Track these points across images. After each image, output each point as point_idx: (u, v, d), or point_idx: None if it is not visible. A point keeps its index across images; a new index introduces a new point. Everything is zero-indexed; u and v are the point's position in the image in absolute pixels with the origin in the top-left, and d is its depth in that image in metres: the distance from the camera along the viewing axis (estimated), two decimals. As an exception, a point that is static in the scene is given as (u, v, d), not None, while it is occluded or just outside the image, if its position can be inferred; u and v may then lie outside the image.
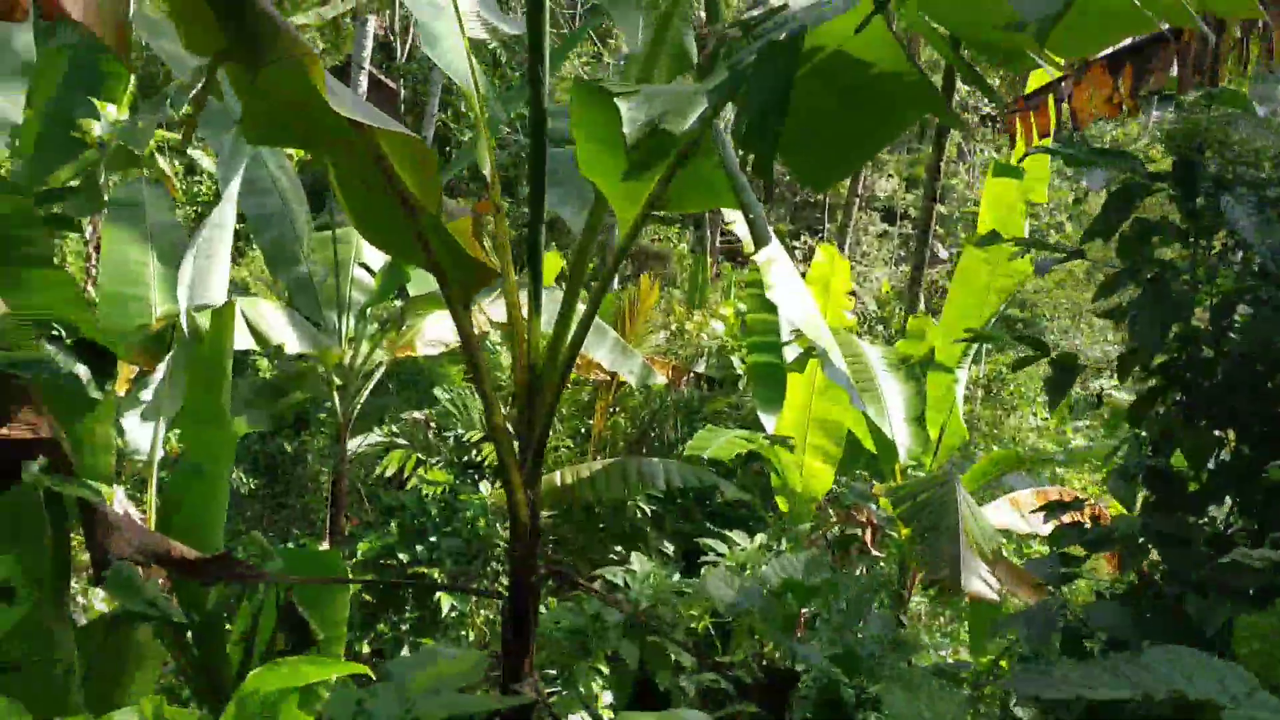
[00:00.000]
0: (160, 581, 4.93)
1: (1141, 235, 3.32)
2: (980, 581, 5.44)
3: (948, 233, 24.60)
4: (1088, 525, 3.55)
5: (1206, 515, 3.39)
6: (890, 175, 26.46)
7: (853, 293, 9.20)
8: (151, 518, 6.11)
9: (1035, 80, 5.10)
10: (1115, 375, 3.72)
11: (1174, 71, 3.79)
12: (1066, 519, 3.63)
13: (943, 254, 24.11)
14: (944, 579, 5.33)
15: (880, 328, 17.60)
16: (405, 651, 6.56)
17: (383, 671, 2.80)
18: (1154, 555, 3.23)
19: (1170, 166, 3.27)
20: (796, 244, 23.07)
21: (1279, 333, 2.96)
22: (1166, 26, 2.78)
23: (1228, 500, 3.34)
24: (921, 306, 14.30)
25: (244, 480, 9.75)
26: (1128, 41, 4.09)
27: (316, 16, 7.10)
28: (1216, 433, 3.30)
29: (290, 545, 8.20)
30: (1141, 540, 3.17)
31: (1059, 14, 1.66)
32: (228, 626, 4.22)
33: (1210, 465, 3.32)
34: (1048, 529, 6.72)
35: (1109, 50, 4.36)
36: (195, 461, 3.87)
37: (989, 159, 25.90)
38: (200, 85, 2.29)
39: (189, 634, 3.83)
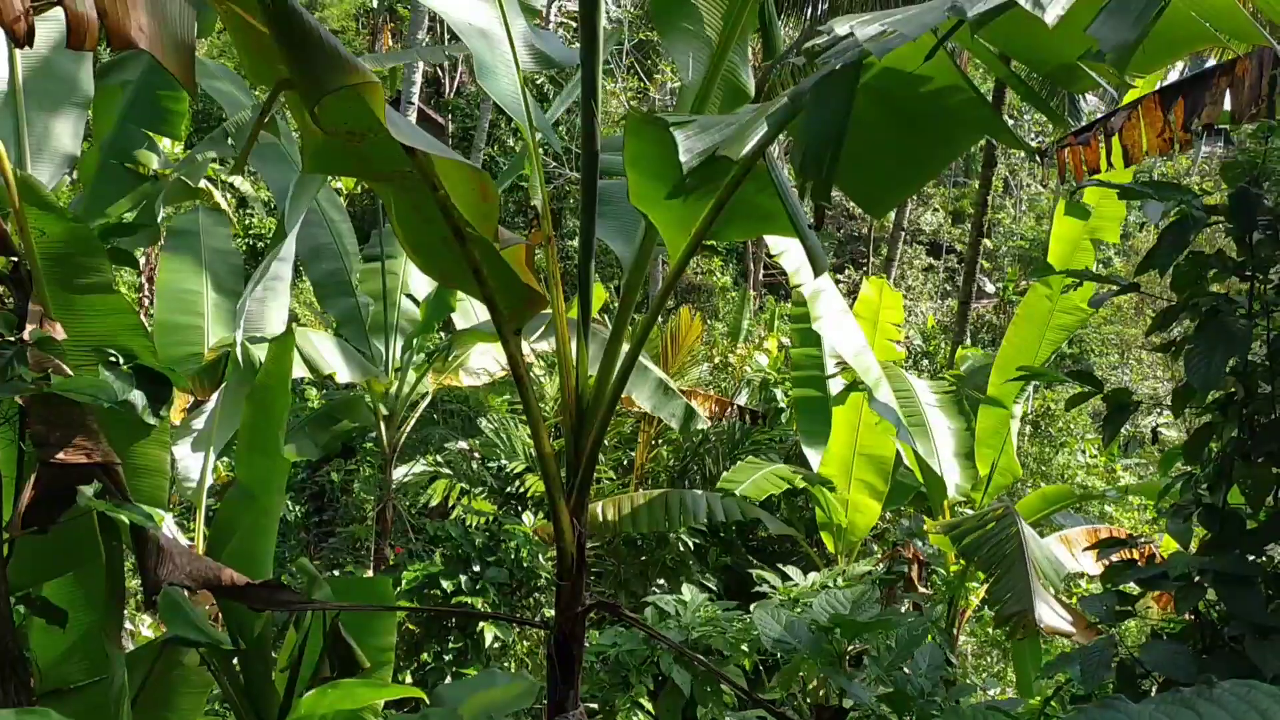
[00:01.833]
0: (208, 608, 4.99)
1: (1197, 269, 3.27)
2: (1054, 616, 5.35)
3: (994, 267, 24.41)
4: (1140, 563, 3.48)
5: (1265, 554, 3.31)
6: (936, 209, 26.35)
7: (900, 326, 9.15)
8: (199, 544, 6.18)
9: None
10: (1165, 412, 3.66)
11: (1228, 105, 3.75)
12: (1118, 557, 3.55)
13: (989, 288, 23.90)
14: (1017, 614, 5.25)
15: (925, 362, 17.46)
16: (448, 680, 6.56)
17: (436, 696, 2.80)
18: (1210, 594, 3.15)
19: (1224, 200, 3.23)
20: (841, 277, 22.99)
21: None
22: (1213, 61, 2.75)
23: (1289, 539, 3.26)
24: (968, 340, 14.19)
25: (291, 508, 9.86)
26: (1176, 76, 4.07)
27: (375, 63, 7.25)
28: (1275, 469, 3.22)
29: (337, 573, 8.26)
30: (1198, 579, 3.10)
31: (1138, 41, 1.66)
32: (274, 654, 4.25)
33: (1269, 502, 3.24)
34: (1096, 568, 6.61)
35: (1161, 84, 4.34)
36: (248, 489, 3.91)
37: (1035, 194, 25.74)
38: (259, 115, 2.34)
39: (235, 660, 3.85)
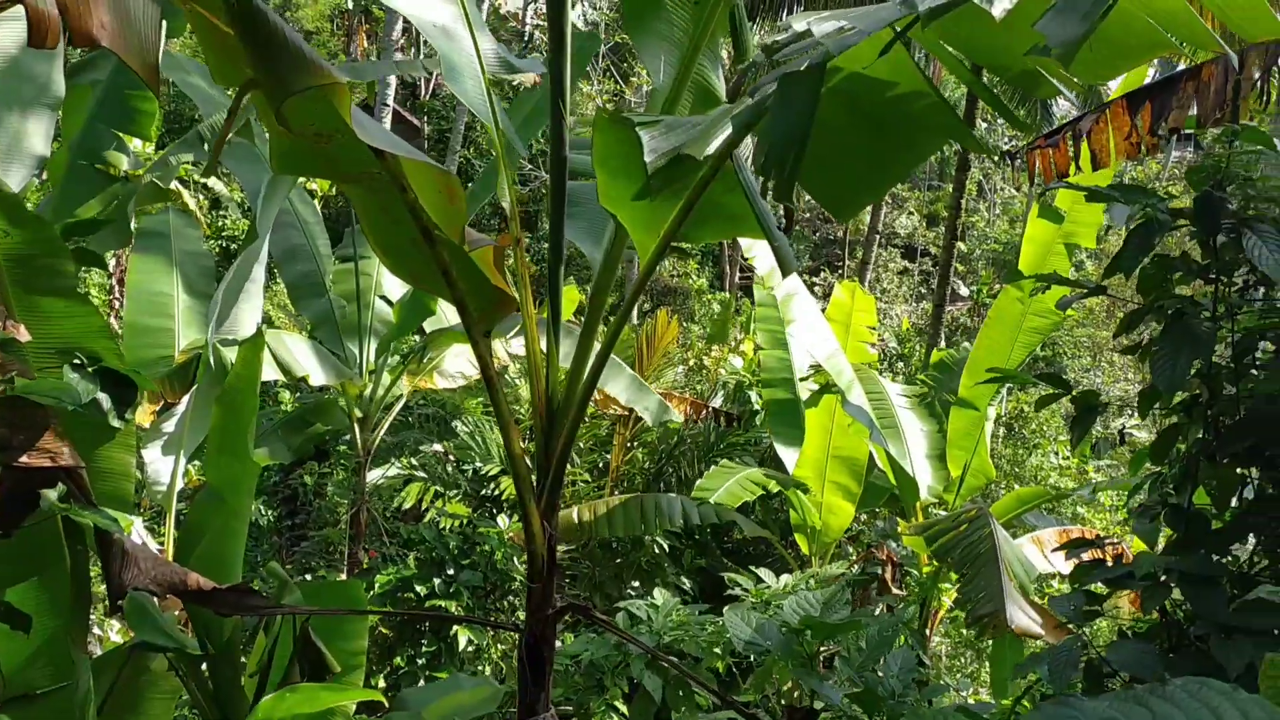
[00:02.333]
0: (177, 613, 4.94)
1: (1162, 271, 3.30)
2: (1024, 617, 5.39)
3: (968, 270, 24.57)
4: (1109, 563, 3.50)
5: (1230, 554, 3.35)
6: (910, 212, 26.50)
7: (874, 329, 9.18)
8: (169, 548, 6.13)
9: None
10: (1136, 414, 3.69)
11: (1194, 110, 3.79)
12: (1088, 556, 3.58)
13: (963, 291, 24.06)
14: (988, 615, 5.28)
15: (901, 364, 17.56)
16: (421, 684, 6.54)
17: (400, 700, 2.78)
18: (1177, 594, 3.18)
19: (1191, 203, 3.26)
20: (816, 280, 23.08)
21: (1307, 370, 2.92)
22: (1183, 65, 2.78)
23: (1251, 538, 3.30)
24: (942, 343, 14.28)
25: (264, 512, 9.79)
26: (1147, 81, 4.11)
27: (351, 75, 7.22)
28: (1239, 470, 3.26)
29: (309, 577, 8.21)
30: (1164, 579, 3.13)
31: (1083, 38, 1.67)
32: (244, 659, 4.22)
33: (1234, 503, 3.28)
34: (1068, 568, 6.67)
35: (1130, 90, 4.38)
36: (217, 492, 3.88)
37: (1009, 197, 25.94)
38: (228, 117, 2.32)
39: (204, 665, 3.82)
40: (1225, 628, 2.91)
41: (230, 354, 5.62)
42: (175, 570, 3.15)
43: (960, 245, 21.33)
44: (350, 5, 21.86)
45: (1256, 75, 3.70)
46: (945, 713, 2.54)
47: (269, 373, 6.68)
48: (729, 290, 21.37)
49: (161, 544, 6.72)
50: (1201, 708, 0.95)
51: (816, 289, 21.82)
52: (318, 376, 6.77)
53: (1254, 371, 3.36)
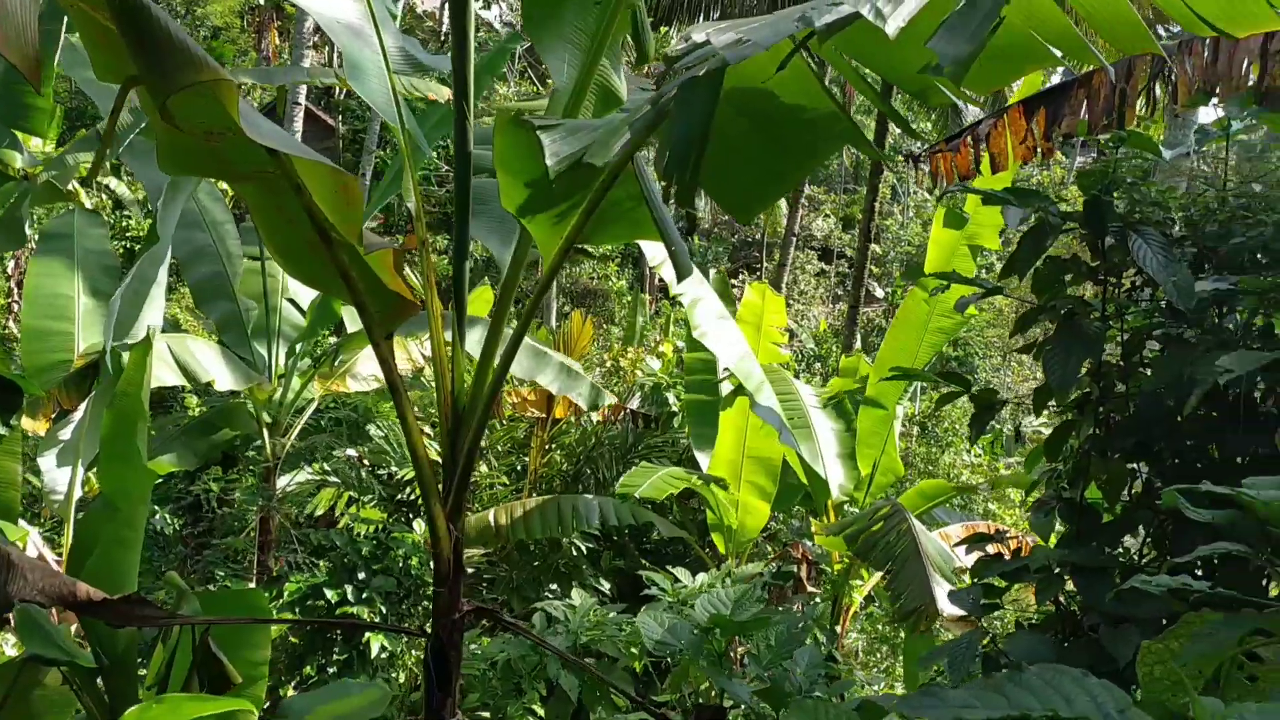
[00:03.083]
0: (74, 626, 4.79)
1: (1055, 273, 3.40)
2: (954, 605, 5.50)
3: (883, 272, 25.02)
4: (1008, 557, 3.60)
5: (1121, 546, 3.46)
6: (827, 215, 26.90)
7: (789, 330, 9.28)
8: (67, 559, 5.93)
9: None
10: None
11: (1086, 115, 3.92)
12: (982, 550, 3.67)
13: (878, 293, 24.49)
14: (919, 608, 5.37)
15: (818, 365, 17.80)
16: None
17: (284, 707, 2.73)
18: (1070, 585, 3.27)
19: (1081, 207, 3.37)
20: (735, 282, 23.27)
21: (1187, 367, 3.03)
22: (1078, 73, 2.86)
23: (1141, 530, 3.41)
24: (858, 344, 14.52)
25: (169, 521, 9.53)
26: (1044, 87, 4.23)
27: (261, 80, 7.06)
28: (1129, 465, 3.37)
29: (212, 586, 8.02)
30: (1057, 571, 3.22)
31: (973, 56, 1.71)
32: (143, 670, 4.10)
33: (1124, 496, 3.39)
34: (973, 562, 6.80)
35: (1027, 95, 4.50)
36: (110, 501, 3.77)
37: (922, 200, 26.48)
38: (111, 115, 2.25)
39: (99, 678, 3.71)
40: (1114, 617, 3.00)
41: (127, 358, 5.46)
42: (64, 581, 3.05)
43: (875, 247, 21.71)
44: (261, 1, 21.42)
45: (1145, 84, 3.84)
46: (821, 705, 2.57)
47: (172, 378, 6.51)
48: (649, 292, 21.44)
49: (60, 555, 6.50)
50: (1054, 693, 0.99)
51: (736, 290, 21.99)
52: (224, 381, 6.62)
53: (1142, 370, 3.48)
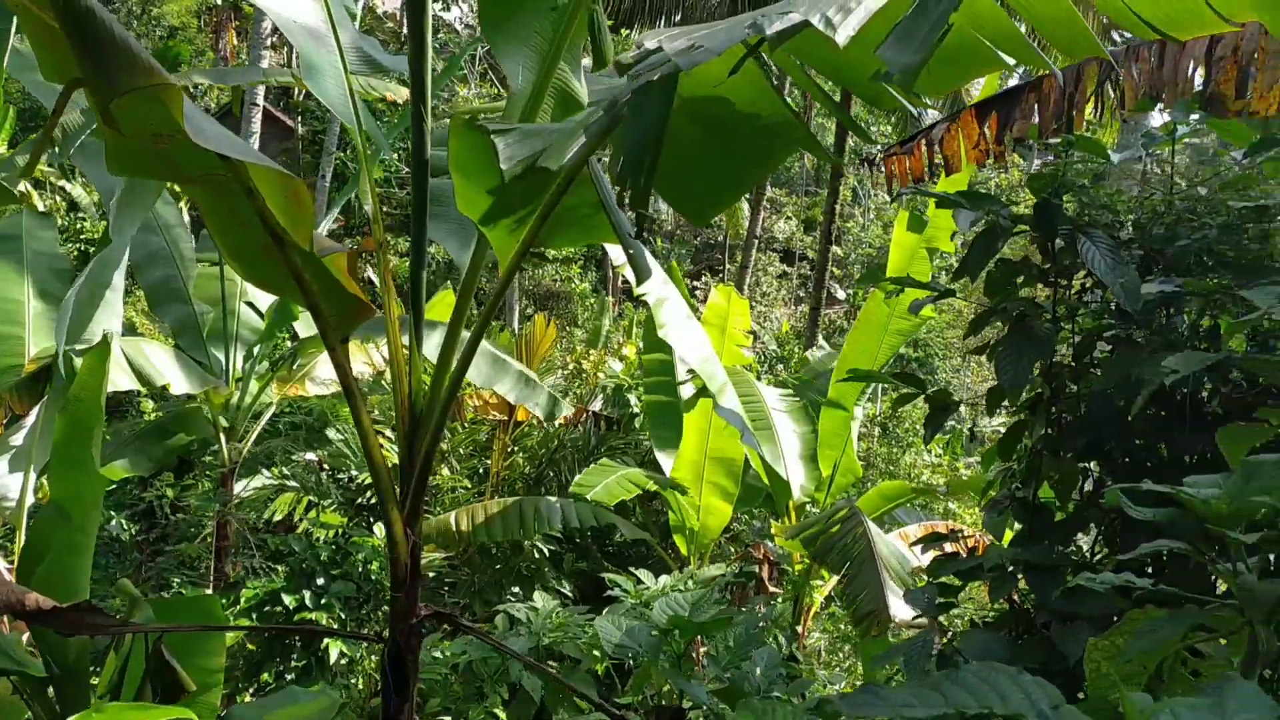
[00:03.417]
0: (25, 636, 4.71)
1: (1006, 275, 3.45)
2: (907, 609, 5.55)
3: (844, 274, 25.20)
4: (964, 556, 3.63)
5: (1073, 544, 3.51)
6: (789, 217, 27.04)
7: (752, 332, 9.32)
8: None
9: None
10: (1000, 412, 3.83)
11: (1037, 119, 3.97)
12: (942, 550, 3.71)
13: (839, 294, 24.66)
14: (872, 612, 5.42)
15: (780, 366, 17.89)
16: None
17: (229, 716, 2.70)
18: (1024, 584, 3.31)
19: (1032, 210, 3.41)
20: (698, 284, 23.35)
21: (1134, 368, 3.08)
22: (1022, 79, 2.89)
23: (1092, 529, 3.46)
24: (820, 344, 14.60)
25: (126, 527, 9.40)
26: (997, 92, 4.29)
27: (216, 80, 6.97)
28: (1081, 464, 3.41)
29: (166, 593, 7.92)
30: (1010, 569, 3.26)
31: (922, 64, 1.73)
32: (96, 679, 4.04)
33: (1076, 495, 3.43)
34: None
35: (980, 99, 4.56)
36: (62, 507, 3.71)
37: (883, 203, 26.70)
38: (51, 117, 2.22)
39: (50, 688, 3.65)
40: (1065, 615, 3.05)
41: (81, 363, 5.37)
42: (13, 589, 3.00)
43: (836, 249, 21.85)
44: (219, 1, 21.19)
45: (1093, 89, 3.89)
46: (769, 703, 2.60)
47: (127, 382, 6.42)
48: (611, 294, 21.45)
49: (11, 562, 6.39)
50: (989, 691, 1.00)
51: (698, 292, 22.08)
52: (179, 385, 6.54)
53: (1093, 370, 3.53)
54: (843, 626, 8.55)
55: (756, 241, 21.15)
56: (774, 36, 1.87)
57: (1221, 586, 3.11)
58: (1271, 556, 2.60)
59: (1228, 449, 1.98)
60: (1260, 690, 1.25)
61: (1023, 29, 2.45)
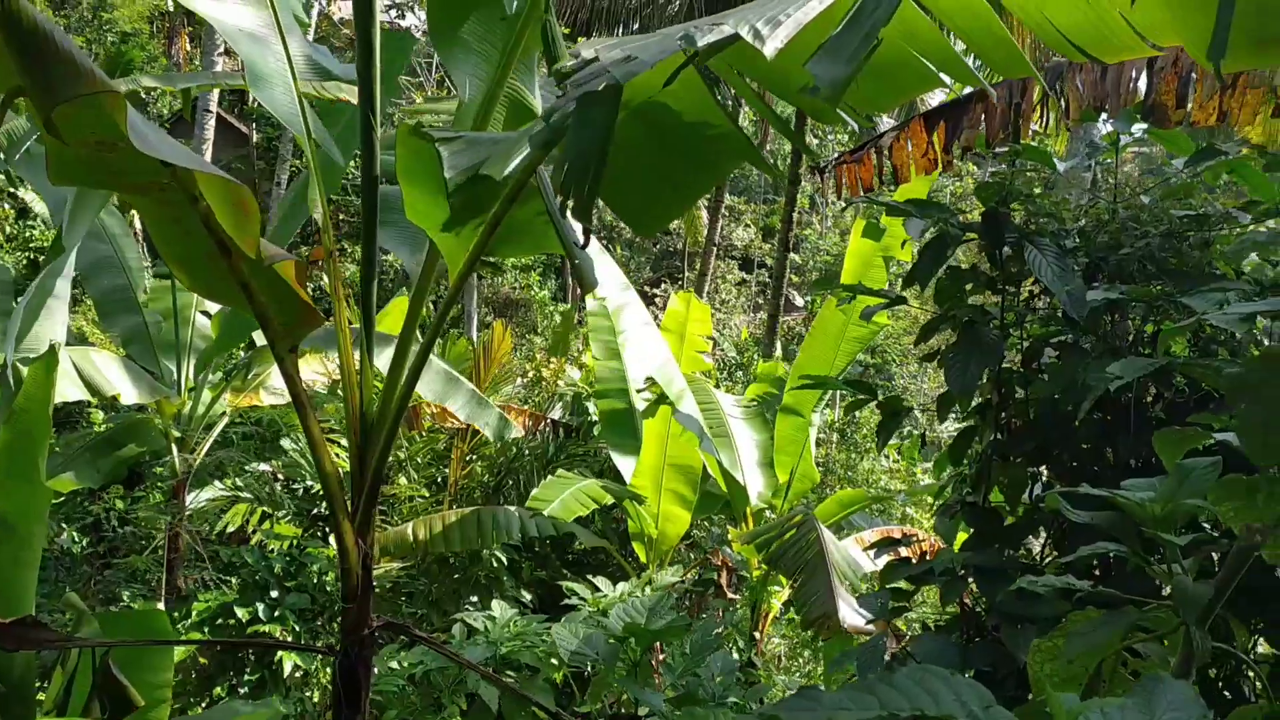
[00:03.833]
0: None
1: (956, 283, 3.49)
2: (856, 615, 5.60)
3: (802, 281, 25.37)
4: (915, 561, 3.67)
5: (1023, 548, 3.55)
6: (747, 225, 27.19)
7: (712, 339, 9.35)
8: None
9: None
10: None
11: (983, 129, 4.03)
12: (896, 554, 3.74)
13: (798, 301, 24.81)
14: (821, 617, 5.46)
15: (740, 373, 17.96)
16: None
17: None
18: (975, 587, 3.35)
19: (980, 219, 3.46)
20: (657, 291, 23.40)
21: (1079, 374, 3.13)
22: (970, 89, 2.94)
23: (1042, 532, 3.50)
24: (778, 352, 14.69)
25: (75, 540, 9.24)
26: (944, 102, 4.35)
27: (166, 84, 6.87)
28: (1029, 469, 3.46)
29: (115, 607, 7.78)
30: (961, 573, 3.29)
31: (849, 79, 1.75)
32: (41, 695, 3.96)
33: (1025, 499, 3.47)
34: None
35: (927, 109, 4.62)
36: (7, 521, 3.64)
37: (840, 210, 26.91)
38: (-5, 123, 2.19)
39: (-6, 704, 3.58)
40: (1014, 617, 3.08)
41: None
42: (-47, 606, 2.94)
43: (794, 256, 22.00)
44: (171, 7, 20.92)
45: (1039, 100, 3.96)
46: (711, 709, 2.61)
47: (75, 392, 6.32)
48: (571, 302, 21.43)
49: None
50: (922, 692, 1.02)
51: (658, 300, 22.13)
52: (129, 395, 6.45)
53: (1041, 376, 3.58)
54: (800, 632, 8.59)
55: (715, 249, 21.24)
56: (705, 48, 1.88)
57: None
58: (1215, 556, 2.66)
59: (1164, 453, 2.02)
60: (1190, 689, 1.28)
61: (960, 48, 2.49)
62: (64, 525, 9.26)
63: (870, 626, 6.22)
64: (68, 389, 6.31)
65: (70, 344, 6.66)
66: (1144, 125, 3.77)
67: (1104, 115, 3.94)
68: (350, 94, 5.50)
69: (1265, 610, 2.68)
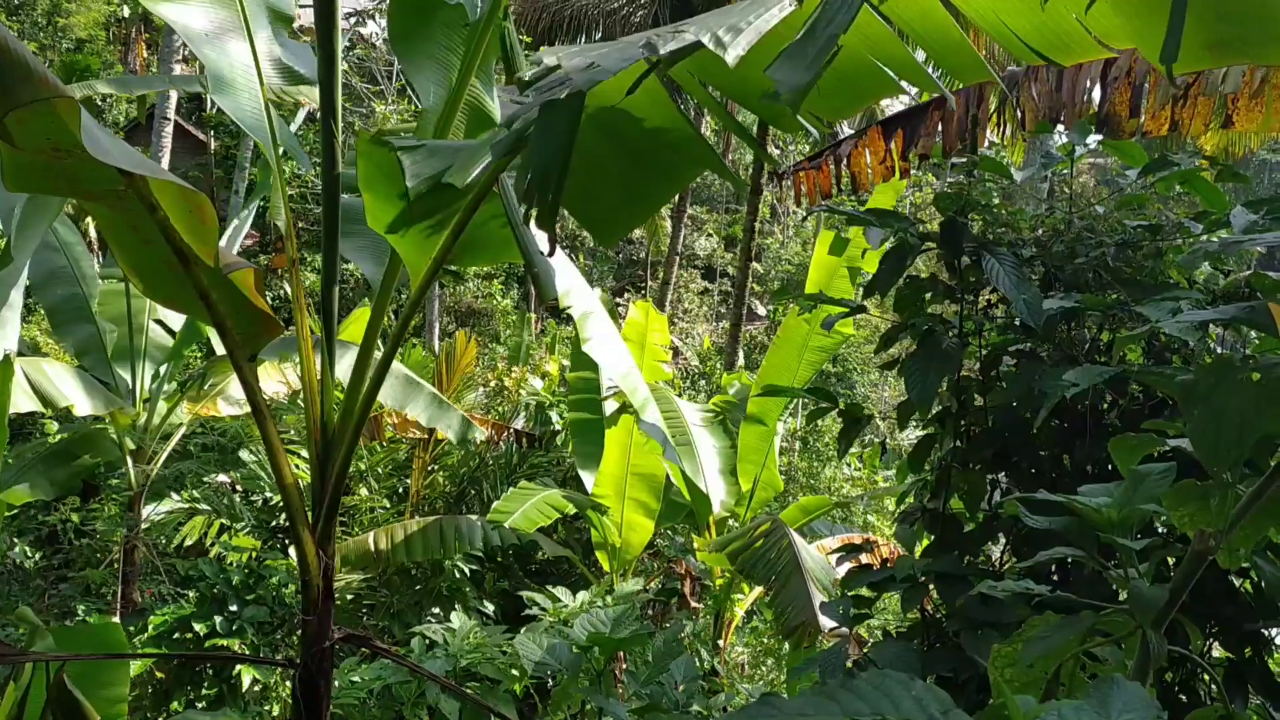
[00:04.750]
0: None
1: (915, 292, 3.52)
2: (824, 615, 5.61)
3: (765, 290, 25.49)
4: (876, 567, 3.69)
5: (982, 554, 3.59)
6: (709, 234, 27.29)
7: (674, 348, 9.37)
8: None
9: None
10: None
11: (940, 138, 4.08)
12: (857, 561, 3.76)
13: (760, 311, 24.93)
14: (801, 624, 5.46)
15: (703, 382, 18.00)
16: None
17: (126, 747, 2.63)
18: (935, 593, 3.38)
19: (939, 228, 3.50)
20: (620, 300, 23.41)
21: (1039, 381, 3.17)
22: (922, 96, 2.97)
23: (1001, 538, 3.54)
24: (741, 361, 14.75)
25: (28, 554, 9.06)
26: (901, 109, 4.39)
27: (121, 88, 6.76)
28: (989, 475, 3.49)
29: (70, 621, 7.65)
30: (922, 579, 3.32)
31: (809, 84, 1.76)
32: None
33: (985, 506, 3.51)
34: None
35: (885, 116, 4.66)
36: (-44, 533, 3.58)
37: (801, 220, 27.10)
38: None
39: (-56, 722, 3.51)
40: (974, 623, 3.11)
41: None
42: (-100, 622, 2.88)
43: (756, 266, 22.11)
44: (126, 13, 20.65)
45: (995, 109, 4.02)
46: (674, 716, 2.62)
47: (28, 403, 6.21)
48: (534, 311, 21.39)
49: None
50: (882, 698, 1.03)
51: (621, 309, 22.16)
52: (83, 406, 6.35)
53: (999, 384, 3.62)
54: (765, 640, 8.61)
55: (678, 258, 21.29)
56: (667, 56, 1.89)
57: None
58: (1171, 560, 2.70)
59: (1120, 459, 2.05)
60: (1144, 690, 1.30)
61: (920, 56, 2.52)
62: (17, 539, 9.09)
63: (844, 631, 6.24)
64: (20, 400, 6.21)
65: (23, 354, 6.54)
66: (1098, 136, 3.83)
67: (1059, 126, 4.00)
68: (310, 95, 5.47)
69: (1219, 614, 2.73)
